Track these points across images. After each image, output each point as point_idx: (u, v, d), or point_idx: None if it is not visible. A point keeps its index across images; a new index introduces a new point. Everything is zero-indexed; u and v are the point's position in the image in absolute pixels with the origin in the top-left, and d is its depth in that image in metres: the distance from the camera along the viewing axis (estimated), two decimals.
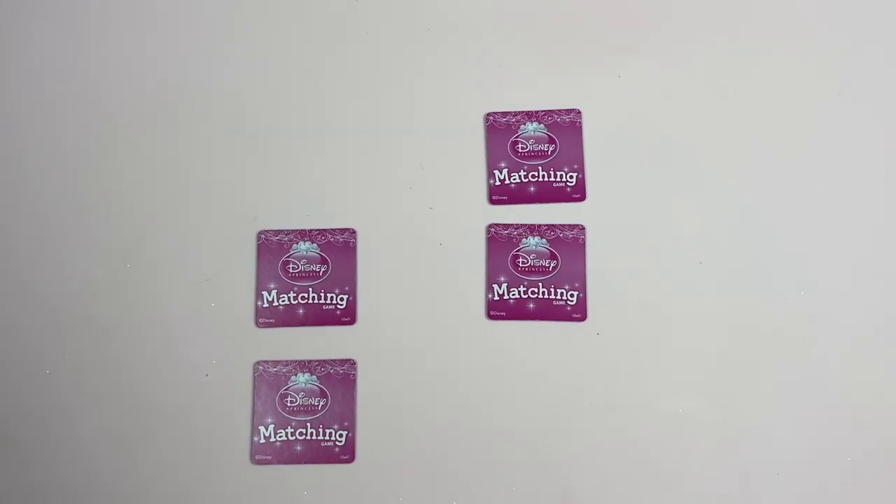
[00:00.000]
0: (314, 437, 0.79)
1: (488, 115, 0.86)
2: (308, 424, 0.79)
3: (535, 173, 0.85)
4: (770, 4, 0.88)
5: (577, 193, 0.84)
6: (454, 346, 0.81)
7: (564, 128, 0.86)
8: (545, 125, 0.86)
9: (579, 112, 0.86)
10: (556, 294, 0.82)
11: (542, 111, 0.86)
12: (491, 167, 0.85)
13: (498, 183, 0.85)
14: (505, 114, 0.86)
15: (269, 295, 0.82)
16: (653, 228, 0.83)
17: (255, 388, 0.80)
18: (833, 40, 0.88)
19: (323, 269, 0.82)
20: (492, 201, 0.84)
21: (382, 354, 0.81)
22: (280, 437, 0.79)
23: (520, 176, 0.85)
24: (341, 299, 0.82)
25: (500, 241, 0.83)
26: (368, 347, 0.81)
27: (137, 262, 0.83)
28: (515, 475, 0.79)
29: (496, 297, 0.82)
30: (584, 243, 0.83)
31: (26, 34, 0.89)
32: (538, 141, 0.86)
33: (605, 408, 0.80)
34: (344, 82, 0.87)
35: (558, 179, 0.85)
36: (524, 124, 0.86)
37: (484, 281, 0.82)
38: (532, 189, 0.85)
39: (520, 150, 0.86)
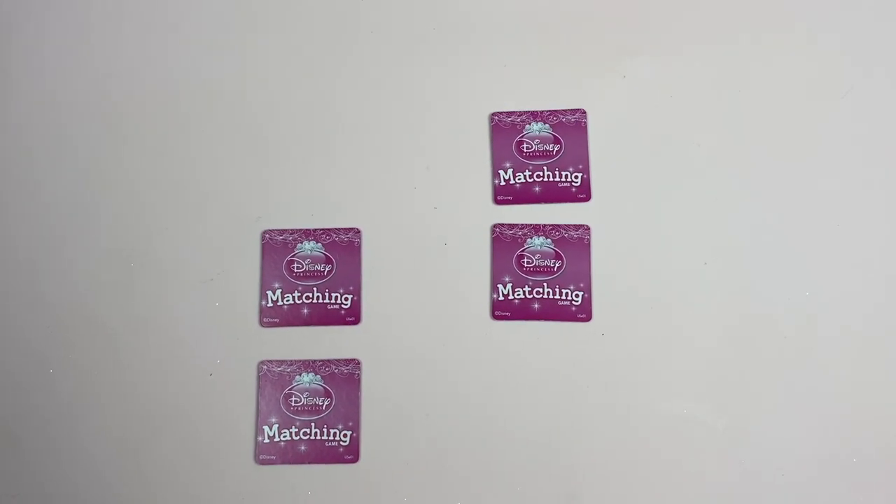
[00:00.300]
0: (318, 437, 0.79)
1: (493, 114, 0.86)
2: (312, 424, 0.79)
3: (540, 173, 0.85)
4: (775, 6, 0.88)
5: (582, 193, 0.84)
6: (459, 346, 0.81)
7: (569, 128, 0.86)
8: (550, 125, 0.86)
9: (584, 112, 0.86)
10: (560, 294, 0.82)
11: (547, 111, 0.86)
12: (496, 167, 0.85)
13: (503, 183, 0.85)
14: (510, 114, 0.86)
15: (274, 294, 0.82)
16: (658, 229, 0.83)
17: (259, 387, 0.80)
18: (838, 43, 0.87)
19: (327, 269, 0.82)
20: (497, 201, 0.84)
21: (387, 354, 0.81)
22: (284, 436, 0.79)
23: (525, 176, 0.85)
24: (346, 299, 0.82)
25: (504, 241, 0.83)
26: (373, 347, 0.81)
27: (141, 261, 0.83)
28: (520, 475, 0.79)
29: (501, 297, 0.82)
30: (589, 243, 0.83)
31: (29, 34, 0.89)
32: (543, 141, 0.86)
33: (609, 408, 0.80)
34: (349, 82, 0.87)
35: (563, 179, 0.84)
36: (529, 124, 0.86)
37: (489, 281, 0.82)
38: (537, 189, 0.85)
39: (525, 150, 0.85)
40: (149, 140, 0.86)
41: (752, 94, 0.86)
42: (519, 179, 0.85)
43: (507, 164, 0.85)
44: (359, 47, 0.88)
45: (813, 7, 0.88)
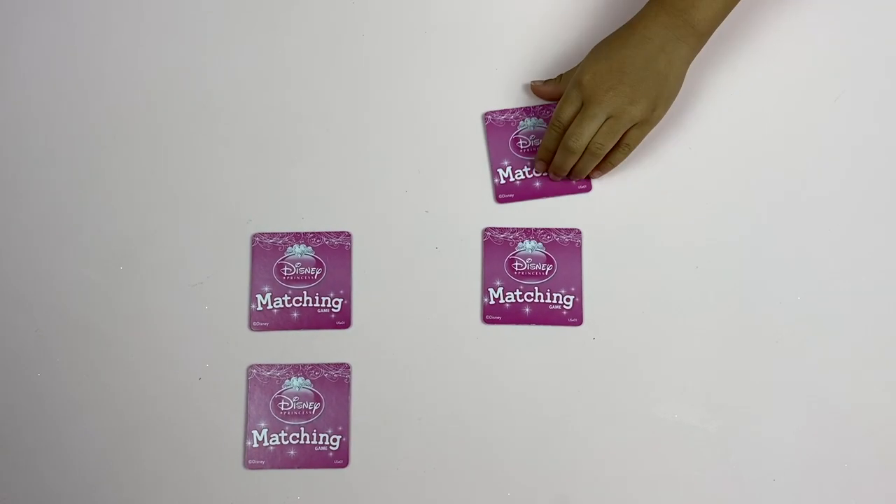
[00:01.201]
0: (308, 442, 0.79)
1: (486, 114, 0.85)
2: (302, 429, 0.79)
3: None
4: (769, 8, 0.87)
5: (582, 185, 0.83)
6: (449, 351, 0.81)
7: None
8: (544, 119, 0.85)
9: None
10: (552, 298, 0.81)
11: (540, 106, 0.85)
12: (494, 166, 0.84)
13: (503, 181, 0.84)
14: (503, 111, 0.85)
15: (263, 298, 0.81)
16: (649, 233, 0.82)
17: (248, 392, 0.80)
18: (832, 45, 0.86)
19: (318, 273, 0.82)
20: (498, 200, 0.84)
21: (377, 358, 0.81)
22: (273, 441, 0.79)
23: (524, 172, 0.84)
24: (336, 303, 0.81)
25: (496, 245, 0.82)
26: (363, 351, 0.81)
27: (131, 264, 0.83)
28: (510, 480, 0.78)
29: (492, 302, 0.81)
30: (581, 247, 0.82)
31: (20, 35, 0.89)
32: (538, 136, 0.85)
33: (600, 412, 0.79)
34: (340, 84, 0.87)
35: None
36: (523, 121, 0.85)
37: (479, 285, 0.82)
38: (537, 185, 0.84)
39: (521, 147, 0.85)
40: (139, 143, 0.86)
41: (745, 97, 0.85)
42: (518, 176, 0.84)
43: (506, 162, 0.84)
44: (350, 50, 0.87)
45: (809, 11, 0.87)
